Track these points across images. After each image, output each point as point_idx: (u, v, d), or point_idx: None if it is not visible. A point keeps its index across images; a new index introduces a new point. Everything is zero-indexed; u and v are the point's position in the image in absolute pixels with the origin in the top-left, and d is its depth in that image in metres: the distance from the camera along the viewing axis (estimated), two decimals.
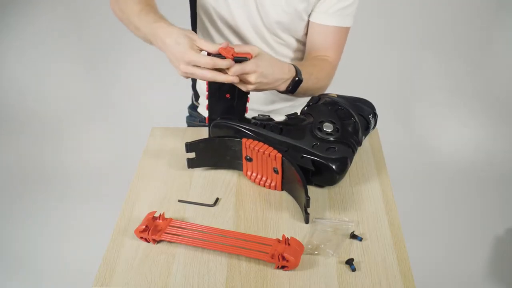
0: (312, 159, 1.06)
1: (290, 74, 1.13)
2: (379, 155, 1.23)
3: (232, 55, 1.04)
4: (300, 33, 1.33)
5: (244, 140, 1.09)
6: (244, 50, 1.06)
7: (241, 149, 1.10)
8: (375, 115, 1.20)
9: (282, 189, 1.11)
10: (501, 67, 2.82)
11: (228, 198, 1.10)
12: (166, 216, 1.05)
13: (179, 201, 1.10)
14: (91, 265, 1.45)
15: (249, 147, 1.08)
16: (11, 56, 2.90)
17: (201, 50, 1.05)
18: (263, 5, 1.26)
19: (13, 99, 2.90)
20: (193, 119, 1.55)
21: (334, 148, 1.07)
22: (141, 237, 0.99)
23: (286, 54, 1.36)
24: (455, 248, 2.24)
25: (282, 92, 1.18)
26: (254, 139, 1.09)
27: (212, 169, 1.18)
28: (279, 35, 1.32)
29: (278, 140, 1.08)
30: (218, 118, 1.15)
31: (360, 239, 0.98)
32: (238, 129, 1.12)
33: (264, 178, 1.11)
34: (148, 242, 0.99)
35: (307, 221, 1.02)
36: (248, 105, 1.36)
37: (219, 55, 1.04)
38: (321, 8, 1.27)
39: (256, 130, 1.11)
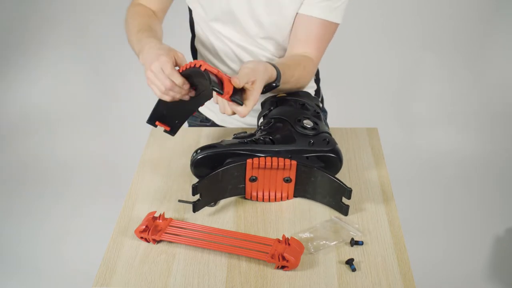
0: (317, 156, 1.08)
1: (270, 78, 1.12)
2: (379, 155, 1.23)
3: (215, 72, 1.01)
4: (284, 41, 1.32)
5: (249, 161, 1.05)
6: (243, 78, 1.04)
7: (243, 173, 1.06)
8: (321, 101, 1.28)
9: (294, 197, 1.10)
10: (501, 68, 2.82)
11: (228, 198, 1.10)
12: (166, 216, 1.05)
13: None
14: (91, 265, 1.45)
15: (256, 166, 1.05)
16: (9, 54, 2.90)
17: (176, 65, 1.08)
18: (257, 15, 1.25)
19: (11, 98, 2.89)
20: (194, 118, 1.55)
21: (326, 139, 1.10)
22: (141, 237, 0.99)
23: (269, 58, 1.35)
24: (455, 248, 2.24)
25: None
26: (258, 157, 1.06)
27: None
28: (262, 44, 1.31)
29: (277, 151, 1.07)
30: (199, 151, 1.07)
31: (361, 243, 0.98)
32: (231, 153, 1.06)
33: (272, 193, 1.09)
34: (148, 242, 0.99)
35: (346, 212, 1.05)
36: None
37: (194, 68, 1.02)
38: (308, 0, 1.25)
39: (257, 148, 1.07)
